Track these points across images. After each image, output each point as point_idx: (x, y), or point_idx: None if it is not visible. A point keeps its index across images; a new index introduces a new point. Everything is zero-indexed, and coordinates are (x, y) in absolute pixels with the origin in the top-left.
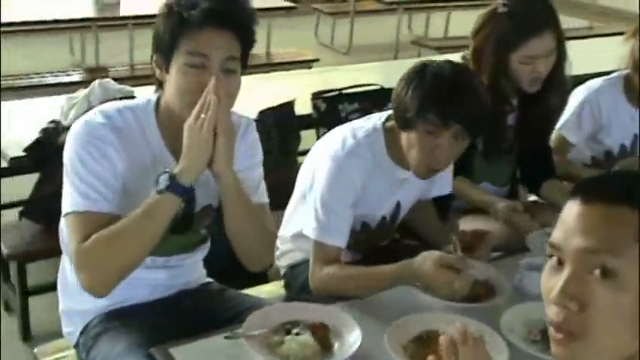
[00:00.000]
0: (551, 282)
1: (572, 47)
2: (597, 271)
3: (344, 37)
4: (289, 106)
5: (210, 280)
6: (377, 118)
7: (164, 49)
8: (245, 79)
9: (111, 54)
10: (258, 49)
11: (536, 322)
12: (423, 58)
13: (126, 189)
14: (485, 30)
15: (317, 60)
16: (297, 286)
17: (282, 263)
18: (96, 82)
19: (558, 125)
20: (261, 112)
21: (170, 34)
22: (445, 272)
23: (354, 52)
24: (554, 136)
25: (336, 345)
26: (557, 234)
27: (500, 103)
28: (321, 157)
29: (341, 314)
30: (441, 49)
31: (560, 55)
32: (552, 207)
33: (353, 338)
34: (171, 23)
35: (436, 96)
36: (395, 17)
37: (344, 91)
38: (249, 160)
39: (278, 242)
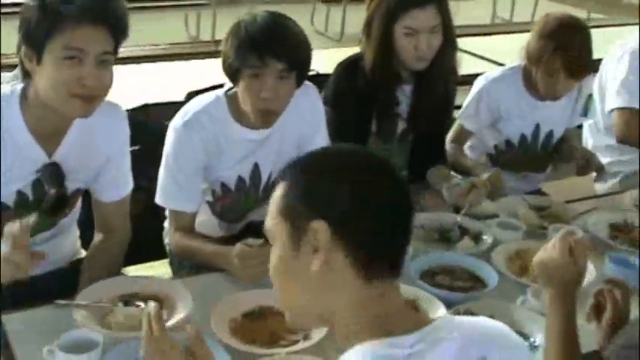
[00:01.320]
0: None
1: None
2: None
3: (339, 25)
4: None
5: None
6: (222, 89)
7: (36, 42)
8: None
9: None
10: None
11: None
12: None
13: None
14: (376, 1)
15: None
16: (177, 263)
17: (166, 240)
18: None
19: (458, 113)
20: (189, 94)
21: (44, 27)
22: (244, 264)
23: (347, 39)
24: (455, 124)
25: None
26: None
27: (389, 80)
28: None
29: (180, 287)
30: None
31: (448, 41)
32: (436, 192)
33: (180, 311)
34: (45, 16)
35: (251, 39)
36: None
37: None
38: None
39: (166, 222)
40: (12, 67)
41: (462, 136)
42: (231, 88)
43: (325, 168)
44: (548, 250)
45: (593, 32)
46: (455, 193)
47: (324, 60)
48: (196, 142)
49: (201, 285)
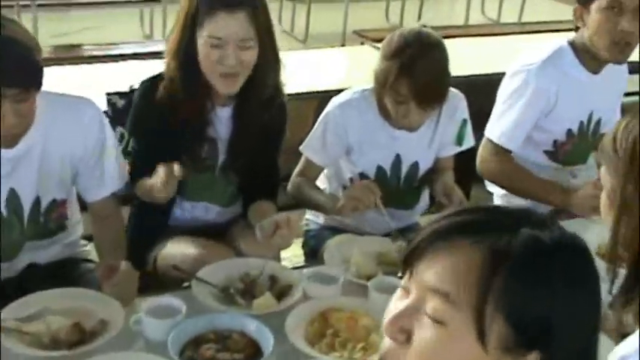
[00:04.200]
0: None
1: None
2: None
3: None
4: None
5: None
6: None
7: None
8: None
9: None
10: None
11: None
12: None
13: None
14: (183, 5)
15: None
16: None
17: None
18: None
19: (303, 145)
20: (109, 94)
21: None
22: None
23: (313, 40)
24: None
25: None
26: None
27: (193, 92)
28: None
29: None
30: (379, 41)
31: (267, 58)
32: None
33: None
34: None
35: None
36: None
37: None
38: None
39: None
40: None
41: (311, 171)
42: None
43: None
44: None
45: None
46: (262, 234)
47: (289, 64)
48: None
49: None
